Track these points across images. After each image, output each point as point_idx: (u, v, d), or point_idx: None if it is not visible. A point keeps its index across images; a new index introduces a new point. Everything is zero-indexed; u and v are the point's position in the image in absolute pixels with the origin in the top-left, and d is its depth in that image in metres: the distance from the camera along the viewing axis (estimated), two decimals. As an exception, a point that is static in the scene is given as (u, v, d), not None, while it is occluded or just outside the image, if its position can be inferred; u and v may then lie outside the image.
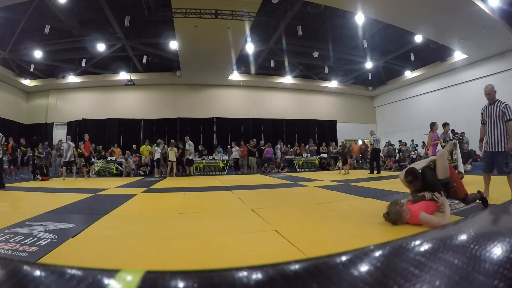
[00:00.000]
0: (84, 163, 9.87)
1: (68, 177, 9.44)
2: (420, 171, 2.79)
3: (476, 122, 7.46)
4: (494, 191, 4.70)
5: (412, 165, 2.97)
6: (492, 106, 3.74)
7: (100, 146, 13.32)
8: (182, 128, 16.17)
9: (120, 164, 11.85)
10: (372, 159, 9.87)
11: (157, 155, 10.93)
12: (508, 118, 3.58)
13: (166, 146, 11.59)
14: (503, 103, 3.68)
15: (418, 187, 2.77)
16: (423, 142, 14.08)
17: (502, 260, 0.29)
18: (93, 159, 10.47)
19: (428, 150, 7.21)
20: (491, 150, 3.72)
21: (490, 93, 3.76)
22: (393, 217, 2.50)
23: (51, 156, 11.68)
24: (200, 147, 13.72)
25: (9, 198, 5.03)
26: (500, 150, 3.63)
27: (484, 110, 3.89)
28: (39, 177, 8.95)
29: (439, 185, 2.70)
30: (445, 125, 6.61)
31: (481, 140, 4.05)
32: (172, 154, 10.66)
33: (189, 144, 11.18)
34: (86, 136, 9.92)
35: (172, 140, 11.70)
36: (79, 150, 9.76)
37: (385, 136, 17.50)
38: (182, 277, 0.29)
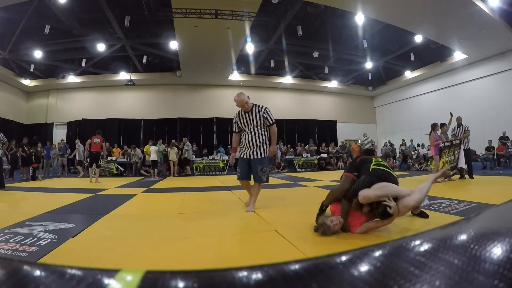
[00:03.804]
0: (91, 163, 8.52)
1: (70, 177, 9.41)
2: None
3: (476, 122, 7.51)
4: (494, 191, 4.71)
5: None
6: (249, 113, 3.48)
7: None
8: (182, 128, 16.18)
9: (120, 164, 11.87)
10: None
11: (153, 156, 9.96)
12: (271, 122, 3.48)
13: (164, 145, 11.58)
14: (262, 107, 3.48)
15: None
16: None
17: (502, 260, 0.29)
18: (100, 161, 8.73)
19: (429, 150, 7.27)
20: (249, 157, 3.48)
21: (247, 102, 3.45)
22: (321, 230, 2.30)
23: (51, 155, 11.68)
24: (194, 148, 13.66)
25: (9, 198, 5.03)
26: (259, 157, 3.45)
27: (239, 119, 3.56)
28: (40, 177, 8.97)
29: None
30: (442, 125, 6.67)
31: (233, 150, 3.80)
32: (173, 154, 10.70)
33: (188, 145, 11.37)
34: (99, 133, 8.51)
35: (173, 140, 11.81)
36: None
37: (385, 136, 17.50)
38: (182, 277, 0.29)
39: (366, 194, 2.07)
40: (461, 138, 6.65)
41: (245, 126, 3.52)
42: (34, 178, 8.97)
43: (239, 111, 3.55)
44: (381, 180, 2.16)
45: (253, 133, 3.48)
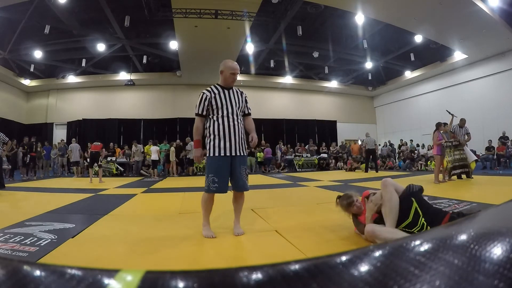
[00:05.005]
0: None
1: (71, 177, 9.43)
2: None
3: (476, 122, 7.52)
4: (494, 191, 4.71)
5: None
6: (231, 91, 2.52)
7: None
8: (182, 128, 16.18)
9: (120, 164, 11.87)
10: (366, 159, 10.60)
11: (154, 155, 9.79)
12: (250, 111, 2.64)
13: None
14: (242, 91, 2.65)
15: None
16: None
17: (502, 260, 0.29)
18: (100, 160, 8.58)
19: (429, 149, 7.31)
20: (234, 154, 2.41)
21: (237, 72, 2.59)
22: (343, 202, 2.36)
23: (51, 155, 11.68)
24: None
25: (9, 198, 5.03)
26: (245, 154, 2.50)
27: (215, 95, 2.47)
28: (41, 176, 9.13)
29: None
30: (444, 125, 6.72)
31: (199, 143, 2.61)
32: (173, 154, 10.80)
33: (191, 145, 11.40)
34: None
35: (178, 141, 11.89)
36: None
37: (385, 136, 17.50)
38: (182, 277, 0.29)
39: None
40: (461, 142, 6.72)
41: (221, 107, 2.42)
42: (33, 164, 9.51)
43: (214, 85, 2.55)
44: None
45: (234, 118, 2.42)
